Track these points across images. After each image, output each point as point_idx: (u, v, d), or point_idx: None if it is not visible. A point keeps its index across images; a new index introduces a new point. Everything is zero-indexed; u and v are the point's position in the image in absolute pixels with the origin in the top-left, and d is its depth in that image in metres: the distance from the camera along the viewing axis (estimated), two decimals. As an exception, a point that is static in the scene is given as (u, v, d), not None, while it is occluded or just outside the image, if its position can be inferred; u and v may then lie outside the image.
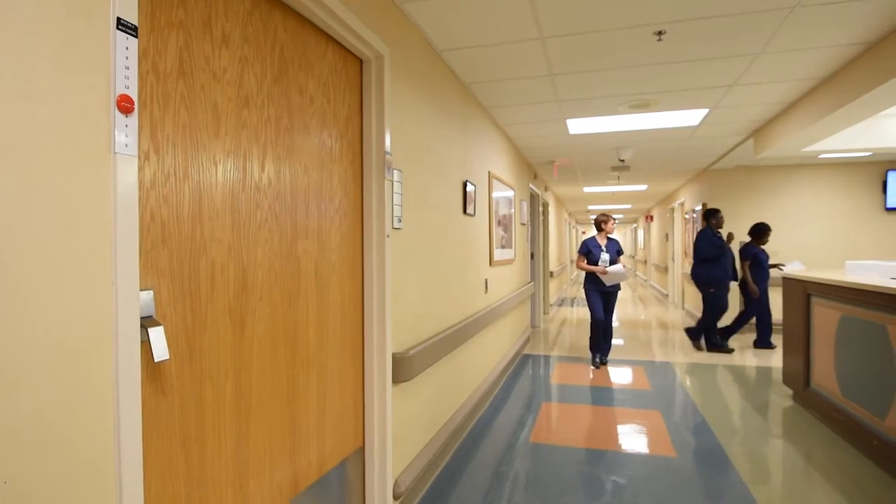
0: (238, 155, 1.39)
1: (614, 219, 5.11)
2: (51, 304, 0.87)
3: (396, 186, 2.25)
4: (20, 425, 0.82)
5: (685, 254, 8.90)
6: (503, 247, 4.76)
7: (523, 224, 6.04)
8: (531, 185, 6.68)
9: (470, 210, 3.56)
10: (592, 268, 4.96)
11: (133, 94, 1.01)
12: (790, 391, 4.16)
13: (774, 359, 5.40)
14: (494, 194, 4.38)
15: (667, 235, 11.47)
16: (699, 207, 7.55)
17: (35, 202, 0.85)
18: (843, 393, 3.23)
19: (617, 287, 5.07)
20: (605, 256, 4.91)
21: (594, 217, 4.93)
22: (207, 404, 1.27)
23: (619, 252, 5.03)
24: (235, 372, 1.37)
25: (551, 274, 9.19)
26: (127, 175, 1.00)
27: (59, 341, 0.88)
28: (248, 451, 1.42)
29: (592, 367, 5.07)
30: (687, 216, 8.67)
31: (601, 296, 5.08)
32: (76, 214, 0.91)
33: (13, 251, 0.82)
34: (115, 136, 0.98)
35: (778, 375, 4.75)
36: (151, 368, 1.11)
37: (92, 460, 0.94)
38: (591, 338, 5.18)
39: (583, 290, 4.85)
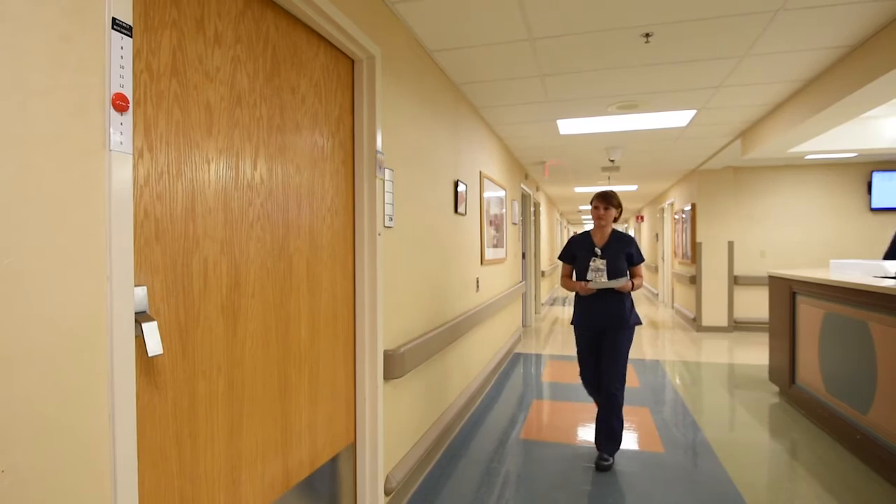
0: (231, 153, 1.41)
1: (616, 201, 2.90)
2: (46, 298, 0.88)
3: (388, 185, 2.27)
4: (17, 417, 0.83)
5: (674, 254, 8.99)
6: (494, 246, 4.79)
7: (515, 224, 6.07)
8: (522, 186, 6.72)
9: (461, 209, 3.59)
10: (574, 284, 2.92)
11: (127, 92, 1.03)
12: (776, 388, 4.23)
13: (761, 357, 5.48)
14: (486, 194, 4.42)
15: (657, 235, 11.57)
16: (688, 207, 7.64)
17: (31, 198, 0.86)
18: (827, 389, 3.29)
19: (626, 318, 2.79)
20: (598, 264, 2.83)
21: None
22: (200, 399, 1.29)
23: (631, 259, 2.86)
24: (228, 368, 1.39)
25: (543, 273, 9.24)
26: (121, 172, 1.02)
27: (55, 336, 0.90)
28: (241, 446, 1.44)
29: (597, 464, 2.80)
30: (676, 216, 8.76)
31: (593, 337, 2.89)
32: (72, 211, 0.93)
33: (9, 246, 0.83)
34: (109, 133, 0.99)
35: (764, 373, 4.82)
36: (145, 363, 1.13)
37: (87, 452, 0.95)
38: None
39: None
